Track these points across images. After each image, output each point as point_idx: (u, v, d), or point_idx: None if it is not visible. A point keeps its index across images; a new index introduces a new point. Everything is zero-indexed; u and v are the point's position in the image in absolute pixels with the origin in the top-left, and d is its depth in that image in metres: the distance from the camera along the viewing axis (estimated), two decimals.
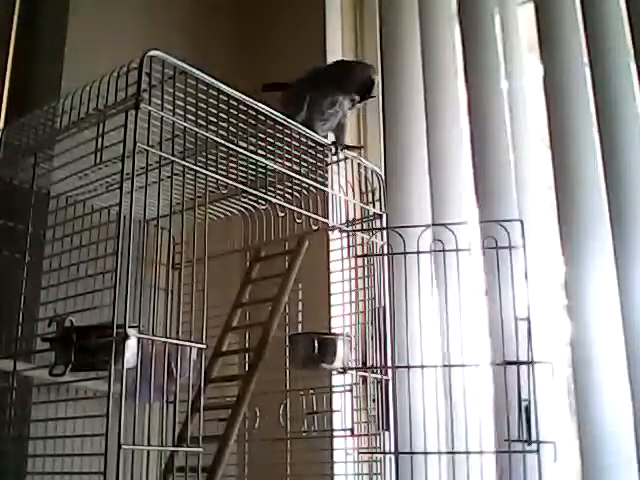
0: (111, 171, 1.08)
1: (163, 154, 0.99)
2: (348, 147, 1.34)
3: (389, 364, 1.24)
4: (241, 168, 1.17)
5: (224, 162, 1.11)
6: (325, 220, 1.27)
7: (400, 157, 1.57)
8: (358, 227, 1.37)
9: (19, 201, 1.15)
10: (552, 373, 1.16)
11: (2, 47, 1.47)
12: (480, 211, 1.42)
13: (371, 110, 1.68)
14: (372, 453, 1.25)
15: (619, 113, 1.29)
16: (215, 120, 1.08)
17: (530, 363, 1.09)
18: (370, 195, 1.39)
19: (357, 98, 1.29)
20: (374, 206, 1.38)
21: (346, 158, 1.33)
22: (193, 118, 1.03)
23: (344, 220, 1.35)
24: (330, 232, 1.39)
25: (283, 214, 1.24)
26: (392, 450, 1.22)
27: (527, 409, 1.07)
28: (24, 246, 1.10)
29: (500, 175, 1.42)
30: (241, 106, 1.11)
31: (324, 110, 1.28)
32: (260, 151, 1.16)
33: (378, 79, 1.30)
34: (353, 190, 1.37)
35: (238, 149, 1.12)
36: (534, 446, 1.05)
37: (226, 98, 1.09)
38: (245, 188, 1.17)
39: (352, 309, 1.35)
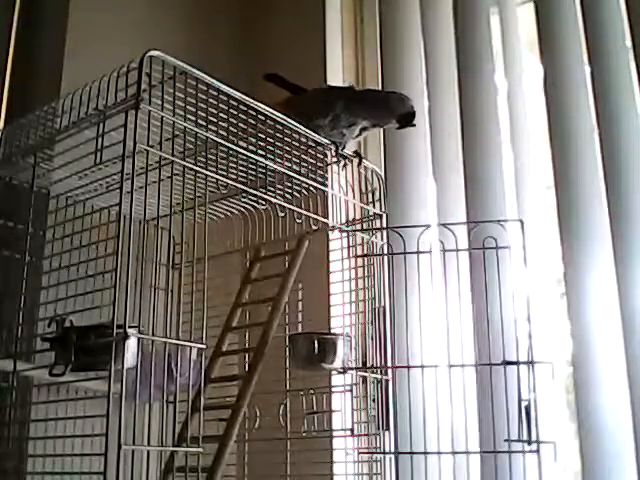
0: (111, 171, 1.09)
1: (163, 154, 0.99)
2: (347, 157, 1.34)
3: (389, 364, 1.24)
4: (241, 168, 1.17)
5: (224, 162, 1.11)
6: (325, 220, 1.27)
7: (400, 157, 1.58)
8: (358, 227, 1.37)
9: (19, 201, 1.15)
10: (552, 373, 1.16)
11: (2, 47, 1.47)
12: (479, 211, 1.42)
13: None
14: (372, 453, 1.25)
15: (619, 113, 1.29)
16: (215, 120, 1.08)
17: (530, 363, 1.09)
18: (370, 195, 1.39)
19: (396, 125, 1.31)
20: (374, 206, 1.38)
21: (346, 158, 1.33)
22: (193, 118, 1.03)
23: (344, 220, 1.35)
24: (330, 232, 1.39)
25: (283, 214, 1.24)
26: (392, 450, 1.22)
27: (527, 409, 1.07)
28: (24, 246, 1.10)
29: (499, 175, 1.43)
30: (241, 106, 1.11)
31: (341, 127, 1.29)
32: (260, 151, 1.16)
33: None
34: (353, 190, 1.37)
35: (238, 149, 1.12)
36: (534, 446, 1.05)
37: (226, 98, 1.09)
38: (245, 188, 1.17)
39: (352, 309, 1.35)
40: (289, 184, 1.24)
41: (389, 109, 1.29)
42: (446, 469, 1.22)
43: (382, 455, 1.24)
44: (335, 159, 1.32)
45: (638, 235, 1.24)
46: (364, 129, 1.32)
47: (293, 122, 1.20)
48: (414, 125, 1.30)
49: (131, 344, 0.89)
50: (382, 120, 1.32)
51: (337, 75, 1.69)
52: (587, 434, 1.22)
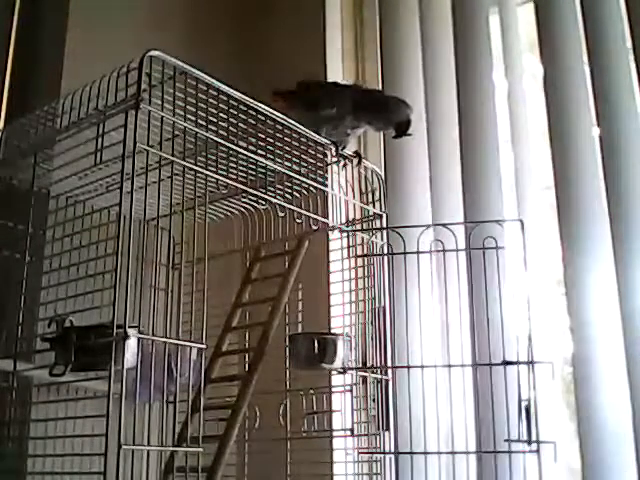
0: (111, 171, 1.08)
1: (163, 154, 0.99)
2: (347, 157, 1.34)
3: (389, 364, 1.24)
4: (241, 168, 1.17)
5: (224, 162, 1.11)
6: (325, 220, 1.27)
7: (400, 157, 1.58)
8: (358, 227, 1.37)
9: (19, 201, 1.15)
10: (552, 373, 1.16)
11: (2, 47, 1.47)
12: (479, 211, 1.42)
13: None
14: (372, 453, 1.25)
15: (619, 113, 1.29)
16: (215, 120, 1.08)
17: (530, 363, 1.09)
18: (370, 195, 1.39)
19: (393, 133, 1.29)
20: (374, 206, 1.38)
21: (346, 158, 1.33)
22: (193, 118, 1.03)
23: (344, 220, 1.35)
24: (330, 232, 1.39)
25: (283, 214, 1.24)
26: (392, 450, 1.22)
27: (527, 409, 1.07)
28: (24, 246, 1.10)
29: (499, 175, 1.43)
30: (241, 106, 1.11)
31: (345, 127, 1.28)
32: (260, 151, 1.16)
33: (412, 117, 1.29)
34: (353, 190, 1.37)
35: (238, 149, 1.12)
36: (534, 446, 1.05)
37: (226, 98, 1.09)
38: (245, 188, 1.17)
39: (352, 309, 1.35)
40: (289, 184, 1.24)
41: (387, 117, 1.29)
42: (446, 469, 1.22)
43: (382, 455, 1.24)
44: (335, 159, 1.32)
45: (638, 235, 1.24)
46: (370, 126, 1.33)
47: (293, 122, 1.20)
48: (409, 134, 1.28)
49: (131, 344, 0.89)
50: (381, 127, 1.34)
51: (337, 75, 1.69)
52: (587, 434, 1.22)
